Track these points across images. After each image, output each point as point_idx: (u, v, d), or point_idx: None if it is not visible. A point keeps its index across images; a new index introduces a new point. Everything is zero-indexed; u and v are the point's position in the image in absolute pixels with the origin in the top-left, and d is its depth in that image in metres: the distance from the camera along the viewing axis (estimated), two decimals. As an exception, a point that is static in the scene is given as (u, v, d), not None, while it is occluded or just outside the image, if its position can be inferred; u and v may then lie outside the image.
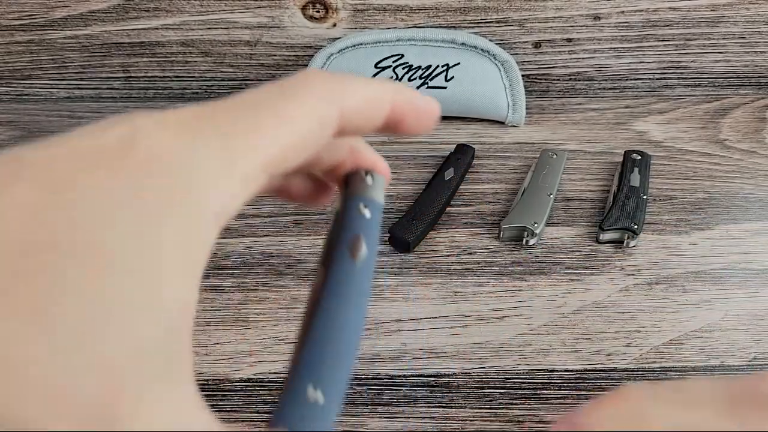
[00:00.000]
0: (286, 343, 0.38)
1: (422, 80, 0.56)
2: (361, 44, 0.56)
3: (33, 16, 0.57)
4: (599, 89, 0.63)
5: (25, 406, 0.11)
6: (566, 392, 0.36)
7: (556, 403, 0.35)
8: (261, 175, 0.16)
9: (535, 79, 0.62)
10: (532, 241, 0.44)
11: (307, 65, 0.58)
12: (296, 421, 0.16)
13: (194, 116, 0.15)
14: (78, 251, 0.12)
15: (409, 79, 0.56)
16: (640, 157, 0.51)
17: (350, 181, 0.21)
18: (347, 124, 0.18)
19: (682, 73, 0.62)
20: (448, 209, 0.48)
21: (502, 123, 0.58)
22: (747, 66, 0.62)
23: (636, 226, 0.44)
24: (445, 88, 0.56)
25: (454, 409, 0.35)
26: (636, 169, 0.49)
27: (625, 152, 0.52)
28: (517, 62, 0.57)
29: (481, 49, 0.56)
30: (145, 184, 0.13)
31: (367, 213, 0.20)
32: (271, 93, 0.16)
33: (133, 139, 0.14)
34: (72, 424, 0.12)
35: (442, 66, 0.56)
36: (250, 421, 0.35)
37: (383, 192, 0.22)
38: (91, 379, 0.12)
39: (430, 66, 0.56)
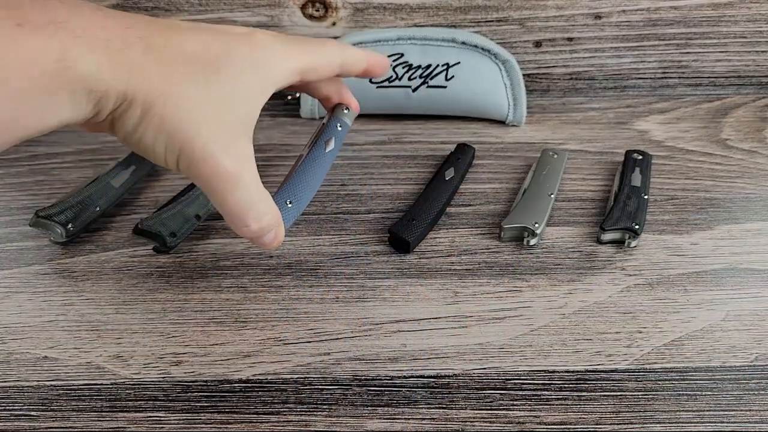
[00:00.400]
0: (285, 343, 0.38)
1: (422, 79, 0.56)
2: (361, 43, 0.56)
3: (32, 15, 0.56)
4: (600, 89, 0.62)
5: (195, 127, 0.30)
6: (567, 393, 0.36)
7: (556, 405, 0.35)
8: (296, 74, 0.34)
9: (536, 78, 0.62)
10: (532, 242, 0.44)
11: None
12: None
13: (280, 35, 0.34)
14: (224, 68, 0.31)
15: (410, 78, 0.56)
16: (641, 157, 0.50)
17: (335, 109, 0.40)
18: (344, 68, 0.37)
19: (683, 72, 0.62)
20: (448, 209, 0.48)
21: (503, 122, 0.58)
22: (748, 65, 0.62)
23: (637, 226, 0.44)
24: (446, 87, 0.56)
25: (454, 410, 0.35)
26: (637, 169, 0.49)
27: (626, 152, 0.51)
28: (517, 61, 0.57)
29: (482, 48, 0.56)
30: (252, 51, 0.32)
31: (339, 128, 0.39)
32: (312, 39, 0.36)
33: (252, 33, 0.33)
34: (215, 146, 0.30)
35: (443, 65, 0.55)
36: (250, 422, 0.34)
37: (352, 120, 0.41)
38: (223, 127, 0.31)
39: (430, 65, 0.55)
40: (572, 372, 0.37)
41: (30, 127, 0.27)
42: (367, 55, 0.38)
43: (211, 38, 0.31)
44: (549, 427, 0.34)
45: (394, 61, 0.56)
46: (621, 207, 0.45)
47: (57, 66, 0.26)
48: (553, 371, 0.37)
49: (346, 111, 0.40)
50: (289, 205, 0.36)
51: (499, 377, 0.36)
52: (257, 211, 0.33)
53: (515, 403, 0.35)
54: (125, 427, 0.34)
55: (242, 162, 0.32)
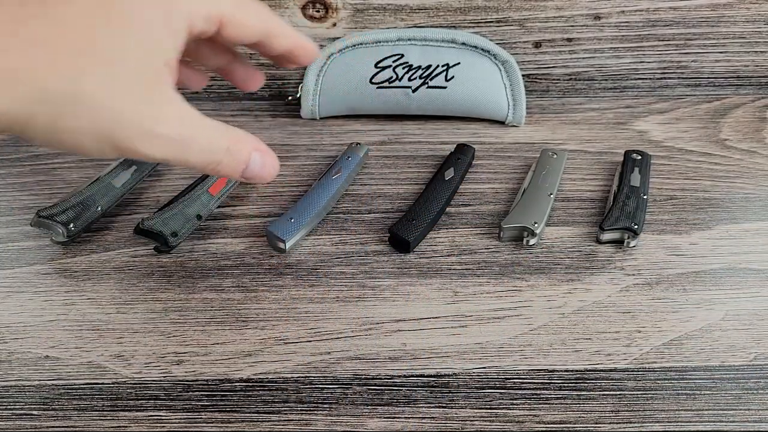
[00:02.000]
0: (286, 343, 0.38)
1: (422, 80, 0.56)
2: (361, 44, 0.56)
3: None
4: (599, 89, 0.63)
5: (87, 80, 0.24)
6: (566, 392, 0.36)
7: (556, 404, 0.35)
8: (214, 21, 0.28)
9: (536, 78, 0.62)
10: (532, 241, 0.44)
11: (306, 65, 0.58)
12: (279, 228, 0.44)
13: None
14: (126, 23, 0.25)
15: (409, 79, 0.56)
16: (640, 157, 0.51)
17: (349, 145, 0.51)
18: (269, 35, 0.31)
19: (682, 72, 0.62)
20: (448, 209, 0.48)
21: (503, 123, 0.58)
22: (747, 66, 0.62)
23: (636, 226, 0.44)
24: (445, 87, 0.56)
25: (454, 410, 0.35)
26: (636, 169, 0.49)
27: (625, 152, 0.51)
28: (517, 62, 0.57)
29: (482, 49, 0.56)
30: None
31: (348, 159, 0.50)
32: None
33: None
34: (143, 128, 0.25)
35: (443, 66, 0.56)
36: (251, 421, 0.34)
37: (362, 152, 0.51)
38: (121, 81, 0.25)
39: (430, 66, 0.56)
40: (571, 371, 0.37)
41: None
42: (296, 36, 0.33)
43: None
44: (548, 426, 0.34)
45: (394, 61, 0.56)
46: (620, 207, 0.46)
47: None
48: (553, 370, 0.37)
49: (356, 146, 0.51)
50: (291, 221, 0.44)
51: (499, 376, 0.36)
52: (217, 143, 0.29)
53: (515, 402, 0.35)
54: (126, 426, 0.34)
55: (178, 121, 0.28)
